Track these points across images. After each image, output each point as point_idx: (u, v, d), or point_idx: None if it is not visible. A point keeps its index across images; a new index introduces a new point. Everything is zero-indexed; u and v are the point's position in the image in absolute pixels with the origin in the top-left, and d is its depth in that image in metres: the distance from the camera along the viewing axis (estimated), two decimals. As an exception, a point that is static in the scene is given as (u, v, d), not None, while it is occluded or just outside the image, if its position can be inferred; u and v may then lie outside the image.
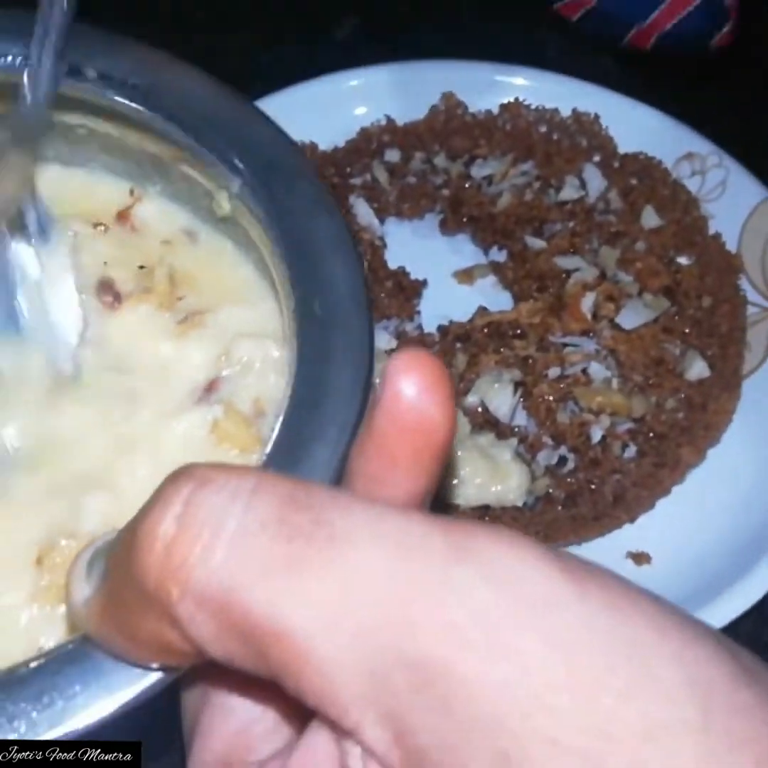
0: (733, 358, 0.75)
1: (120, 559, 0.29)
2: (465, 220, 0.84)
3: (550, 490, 0.71)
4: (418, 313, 0.79)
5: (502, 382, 0.74)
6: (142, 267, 0.49)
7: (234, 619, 0.26)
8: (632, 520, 0.71)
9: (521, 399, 0.74)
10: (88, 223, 0.50)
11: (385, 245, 0.83)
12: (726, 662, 0.26)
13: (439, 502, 0.35)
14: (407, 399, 0.30)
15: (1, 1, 0.49)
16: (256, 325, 0.47)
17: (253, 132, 0.45)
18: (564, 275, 0.79)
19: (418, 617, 0.25)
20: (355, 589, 0.26)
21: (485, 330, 0.77)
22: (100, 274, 0.48)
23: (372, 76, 0.90)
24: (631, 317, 0.76)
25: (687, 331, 0.76)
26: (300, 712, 0.30)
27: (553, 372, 0.75)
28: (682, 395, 0.74)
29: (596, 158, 0.85)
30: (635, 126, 0.87)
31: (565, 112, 0.88)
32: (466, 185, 0.85)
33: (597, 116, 0.86)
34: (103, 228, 0.50)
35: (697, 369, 0.74)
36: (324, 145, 0.87)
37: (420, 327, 0.78)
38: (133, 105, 0.46)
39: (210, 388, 0.46)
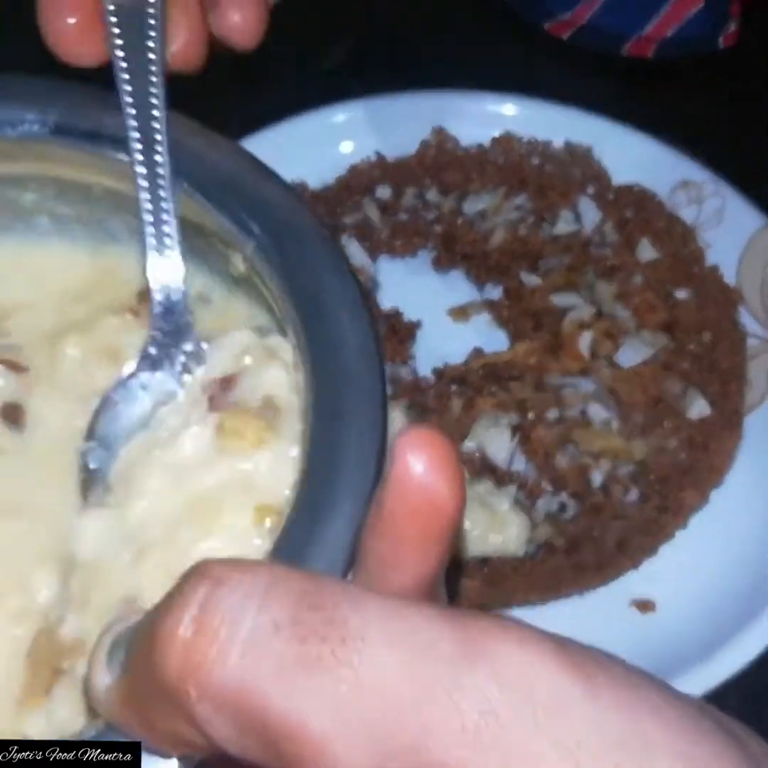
0: (734, 395, 0.74)
1: (140, 653, 0.30)
2: (459, 256, 0.83)
3: (551, 539, 0.70)
4: (412, 356, 0.78)
5: (499, 426, 0.73)
6: None
7: (250, 718, 0.27)
8: (636, 566, 0.70)
9: (519, 443, 0.73)
10: (121, 311, 0.49)
11: (377, 286, 0.82)
12: (735, 757, 0.26)
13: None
14: (416, 477, 0.31)
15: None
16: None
17: (265, 192, 0.45)
18: (560, 313, 0.77)
19: (431, 721, 0.26)
20: (368, 690, 0.26)
21: (481, 372, 0.76)
22: None
23: (360, 110, 0.89)
24: (630, 354, 0.75)
25: (687, 367, 0.75)
26: None
27: (552, 414, 0.73)
28: (684, 435, 0.72)
29: (590, 190, 0.83)
30: (629, 154, 0.85)
31: (558, 142, 0.86)
32: (459, 221, 0.84)
33: (590, 148, 0.85)
34: (133, 314, 0.49)
35: (698, 407, 0.73)
36: (313, 183, 0.86)
37: (415, 371, 0.77)
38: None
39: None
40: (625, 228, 0.81)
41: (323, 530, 0.37)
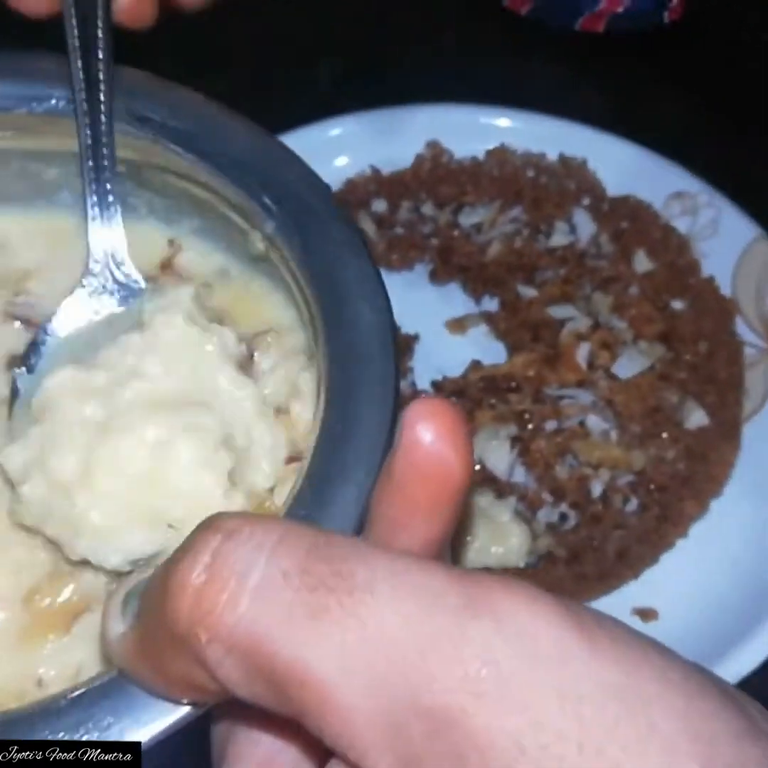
0: (732, 405, 0.74)
1: (153, 601, 0.30)
2: (455, 269, 0.83)
3: (552, 549, 0.70)
4: (411, 369, 0.78)
5: (499, 438, 0.73)
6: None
7: (259, 664, 0.28)
8: (636, 576, 0.70)
9: (519, 455, 0.73)
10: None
11: (374, 299, 0.82)
12: (732, 717, 0.27)
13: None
14: (425, 445, 0.31)
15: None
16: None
17: (286, 173, 0.47)
18: (557, 325, 0.78)
19: (435, 668, 0.27)
20: (374, 639, 0.27)
21: (480, 384, 0.76)
22: None
23: (353, 125, 0.89)
24: (627, 365, 0.76)
25: (684, 377, 0.75)
26: (321, 749, 0.31)
27: (550, 425, 0.74)
28: (682, 445, 0.73)
29: (585, 202, 0.84)
30: (623, 165, 0.86)
31: (552, 154, 0.87)
32: (455, 233, 0.84)
33: (585, 160, 0.85)
34: (152, 281, 0.50)
35: (696, 418, 0.73)
36: (309, 198, 0.86)
37: (413, 384, 0.77)
38: (172, 146, 0.47)
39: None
40: (620, 239, 0.82)
41: (334, 496, 0.38)
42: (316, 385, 0.44)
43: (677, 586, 0.70)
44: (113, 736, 0.34)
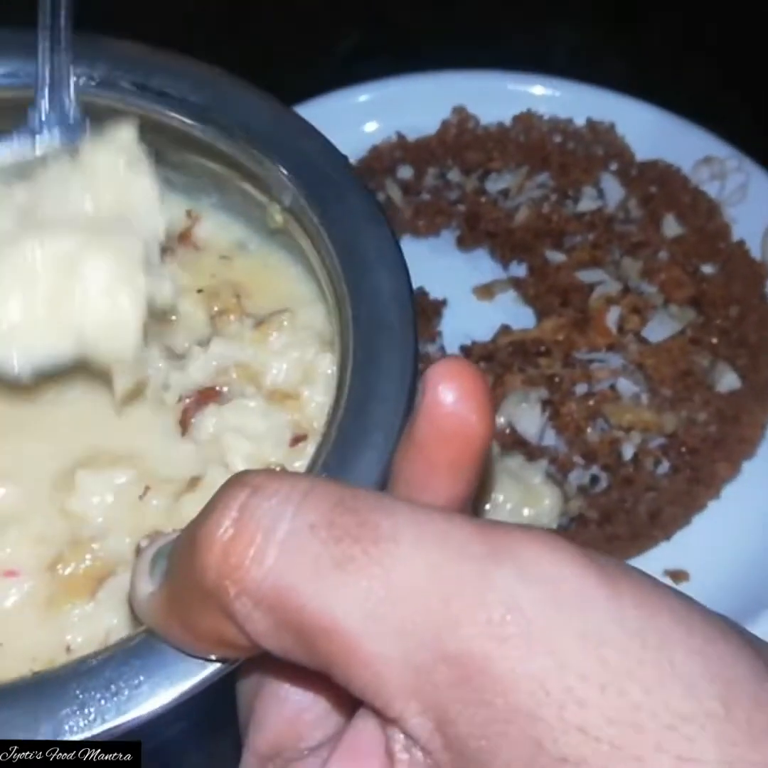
0: (764, 368, 0.74)
1: (181, 558, 0.31)
2: (483, 235, 0.83)
3: (584, 511, 0.70)
4: (440, 333, 0.78)
5: (529, 401, 0.73)
6: (200, 291, 0.49)
7: (287, 615, 0.28)
8: (668, 537, 0.70)
9: (549, 418, 0.73)
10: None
11: (402, 265, 0.82)
12: (749, 658, 0.27)
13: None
14: (447, 405, 0.32)
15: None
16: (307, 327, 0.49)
17: (304, 145, 0.47)
18: (587, 289, 0.77)
19: (459, 614, 0.27)
20: (399, 587, 0.27)
21: (509, 349, 0.76)
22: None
23: (380, 91, 0.89)
24: (658, 329, 0.75)
25: (715, 341, 0.75)
26: (348, 701, 0.31)
27: (580, 389, 0.73)
28: (714, 408, 0.73)
29: (613, 167, 0.84)
30: (651, 131, 0.85)
31: (579, 120, 0.86)
32: (482, 200, 0.84)
33: (613, 124, 0.85)
34: (170, 253, 0.50)
35: (728, 381, 0.73)
36: (335, 164, 0.86)
37: (442, 348, 0.77)
38: (190, 121, 0.48)
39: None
40: (649, 204, 0.82)
41: (355, 460, 0.39)
42: (334, 367, 0.44)
43: (709, 547, 0.70)
44: (144, 693, 0.35)
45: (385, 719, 0.29)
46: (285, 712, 0.34)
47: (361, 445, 0.39)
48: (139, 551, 0.38)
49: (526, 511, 0.69)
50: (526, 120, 0.86)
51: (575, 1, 0.99)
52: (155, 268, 0.42)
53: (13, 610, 0.43)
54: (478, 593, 0.27)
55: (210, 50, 0.86)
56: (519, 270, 0.82)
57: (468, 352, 0.76)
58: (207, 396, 0.46)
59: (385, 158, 0.87)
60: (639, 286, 0.77)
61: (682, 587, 0.69)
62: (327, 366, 0.46)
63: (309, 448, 0.44)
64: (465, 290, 0.82)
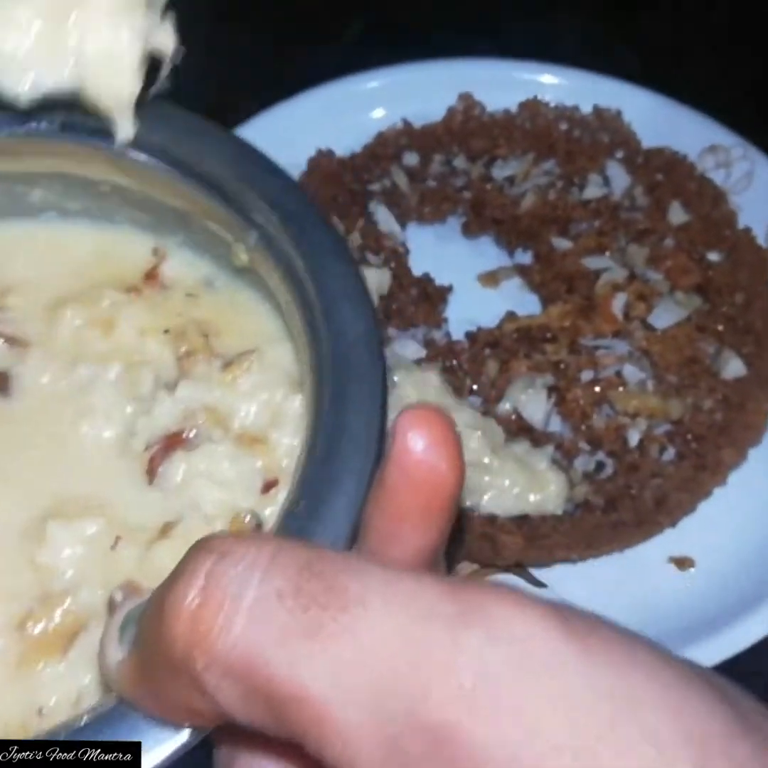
0: (770, 355, 0.74)
1: (150, 626, 0.30)
2: (488, 222, 0.83)
3: (589, 497, 0.70)
4: (445, 320, 0.78)
5: (535, 387, 0.73)
6: (166, 331, 0.49)
7: (256, 685, 0.28)
8: (674, 524, 0.70)
9: (555, 404, 0.73)
10: (122, 289, 0.50)
11: (407, 251, 0.82)
12: (724, 714, 0.27)
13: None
14: (417, 453, 0.32)
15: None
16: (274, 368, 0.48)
17: (267, 184, 0.46)
18: (592, 276, 0.77)
19: (429, 680, 0.26)
20: (368, 655, 0.27)
21: (515, 335, 0.76)
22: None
23: (387, 78, 0.89)
24: (664, 316, 0.75)
25: (721, 328, 0.75)
26: None
27: (586, 375, 0.73)
28: (719, 395, 0.73)
29: (619, 154, 0.84)
30: (656, 119, 0.86)
31: (585, 107, 0.86)
32: (488, 187, 0.84)
33: (619, 112, 0.85)
34: (136, 293, 0.50)
35: (733, 368, 0.73)
36: (340, 151, 0.86)
37: (448, 334, 0.77)
38: (153, 160, 0.47)
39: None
40: (655, 191, 0.82)
41: (326, 508, 0.38)
42: (302, 408, 0.44)
43: (714, 534, 0.70)
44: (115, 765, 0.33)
45: None
46: None
47: (333, 491, 0.38)
48: (112, 604, 0.38)
49: (531, 497, 0.69)
50: (533, 107, 0.86)
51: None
52: (156, 14, 0.43)
53: (-18, 671, 0.41)
54: (448, 658, 0.26)
55: (218, 38, 0.87)
56: (525, 257, 0.82)
57: (473, 338, 0.76)
58: (174, 442, 0.46)
59: (391, 145, 0.87)
60: (645, 273, 0.77)
61: (688, 574, 0.69)
62: (296, 407, 0.45)
63: (280, 495, 0.44)
64: (470, 277, 0.82)
